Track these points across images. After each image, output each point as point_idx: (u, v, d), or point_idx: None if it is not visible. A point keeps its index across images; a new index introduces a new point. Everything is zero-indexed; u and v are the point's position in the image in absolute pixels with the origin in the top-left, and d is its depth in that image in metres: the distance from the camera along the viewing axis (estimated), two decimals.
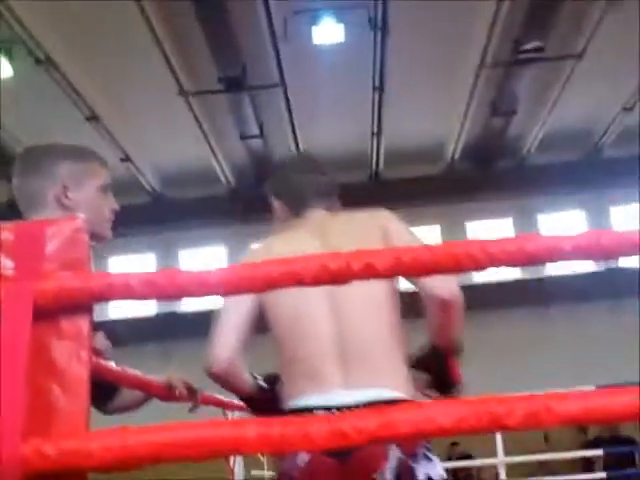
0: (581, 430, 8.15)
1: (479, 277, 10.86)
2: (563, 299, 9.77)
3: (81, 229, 0.94)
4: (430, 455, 1.36)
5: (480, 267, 0.84)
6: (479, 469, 7.86)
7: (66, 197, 1.50)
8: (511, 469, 5.56)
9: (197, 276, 0.94)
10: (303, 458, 1.36)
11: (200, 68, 7.21)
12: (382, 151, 9.36)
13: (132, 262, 10.39)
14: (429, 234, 11.08)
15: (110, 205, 1.57)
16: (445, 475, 1.41)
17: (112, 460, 0.77)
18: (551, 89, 8.32)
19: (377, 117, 8.42)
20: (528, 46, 7.04)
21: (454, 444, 7.97)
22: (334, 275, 0.85)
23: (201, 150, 8.75)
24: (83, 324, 0.90)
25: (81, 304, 0.91)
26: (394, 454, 1.30)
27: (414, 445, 1.33)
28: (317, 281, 0.87)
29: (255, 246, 1.71)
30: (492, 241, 0.83)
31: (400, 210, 1.72)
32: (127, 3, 6.09)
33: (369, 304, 1.48)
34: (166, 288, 0.93)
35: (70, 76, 7.10)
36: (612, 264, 10.47)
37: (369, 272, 0.84)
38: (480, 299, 9.37)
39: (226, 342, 1.48)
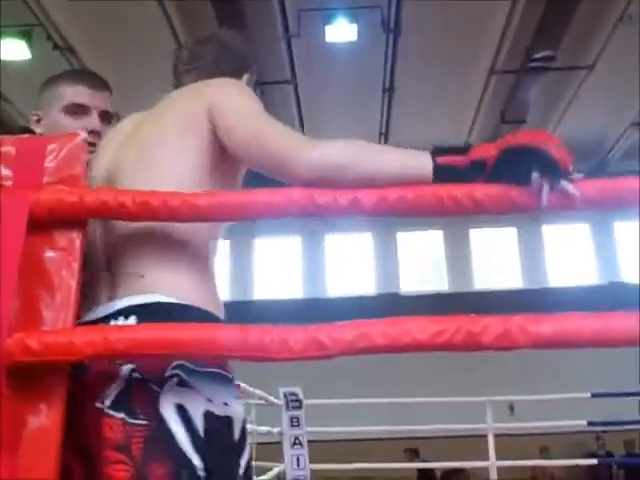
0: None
1: (480, 285, 10.88)
2: (564, 311, 9.73)
3: (80, 147, 0.97)
4: (190, 380, 0.97)
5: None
6: None
7: (38, 126, 1.51)
8: None
9: (188, 199, 0.97)
10: None
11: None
12: None
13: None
14: (432, 239, 11.10)
15: (82, 125, 1.43)
16: (235, 415, 1.01)
17: (93, 353, 0.79)
18: (561, 100, 8.34)
19: (386, 118, 8.46)
20: (539, 55, 7.07)
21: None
22: None
23: None
24: (76, 237, 0.94)
25: (75, 218, 0.94)
26: (123, 373, 0.95)
27: (162, 363, 0.95)
28: None
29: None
30: None
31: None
32: None
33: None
34: (158, 209, 0.96)
35: (86, 63, 7.18)
36: (615, 278, 10.47)
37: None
38: (482, 307, 9.38)
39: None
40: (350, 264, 11.09)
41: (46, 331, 0.86)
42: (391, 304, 9.99)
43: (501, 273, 11.25)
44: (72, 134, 0.99)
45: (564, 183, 0.91)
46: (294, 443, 4.53)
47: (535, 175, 0.91)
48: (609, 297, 9.62)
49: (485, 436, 5.05)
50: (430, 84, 7.91)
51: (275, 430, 4.52)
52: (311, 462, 4.55)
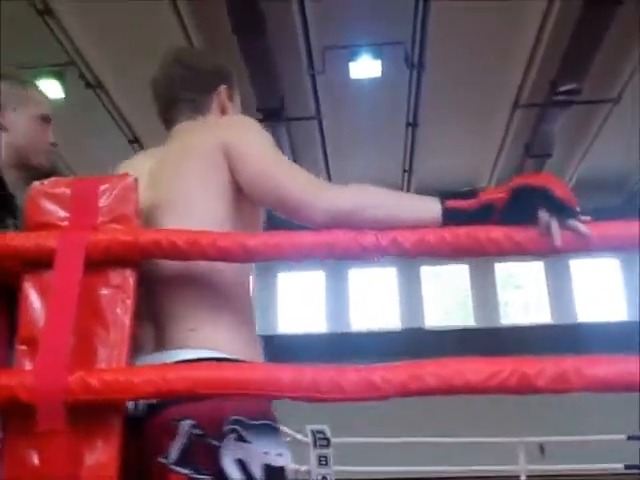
0: None
1: (505, 320, 10.73)
2: (594, 347, 9.54)
3: (132, 187, 1.00)
4: (246, 435, 0.99)
5: None
6: None
7: (2, 116, 1.48)
8: None
9: (238, 239, 0.98)
10: None
11: (240, 98, 7.41)
12: (412, 189, 9.42)
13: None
14: (458, 272, 11.02)
15: (48, 135, 1.50)
16: (286, 463, 1.05)
17: (152, 392, 0.80)
18: (586, 133, 8.32)
19: (409, 154, 8.51)
20: (564, 88, 7.09)
21: None
22: None
23: None
24: (129, 275, 0.95)
25: (129, 257, 0.96)
26: (183, 429, 0.96)
27: (218, 418, 0.97)
28: None
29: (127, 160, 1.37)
30: None
31: None
32: (177, 36, 6.35)
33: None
34: (208, 249, 0.97)
35: (117, 101, 7.39)
36: None
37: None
38: (511, 343, 9.24)
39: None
40: (374, 298, 11.04)
41: (106, 369, 0.87)
42: (416, 339, 9.89)
43: (529, 308, 11.11)
44: (123, 175, 1.02)
45: (573, 221, 0.93)
46: None
47: (542, 214, 0.93)
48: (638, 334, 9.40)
49: (516, 477, 4.93)
50: (454, 119, 7.96)
51: (303, 468, 4.46)
52: None
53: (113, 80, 7.14)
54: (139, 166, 1.20)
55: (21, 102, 1.48)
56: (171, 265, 1.05)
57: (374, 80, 7.24)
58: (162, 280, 1.08)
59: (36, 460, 0.85)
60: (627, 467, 4.86)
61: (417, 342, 9.56)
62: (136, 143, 8.04)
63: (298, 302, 11.13)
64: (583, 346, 9.54)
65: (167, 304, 1.07)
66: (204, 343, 1.04)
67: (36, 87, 1.56)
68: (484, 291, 10.83)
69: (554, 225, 0.92)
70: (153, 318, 1.08)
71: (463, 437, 5.99)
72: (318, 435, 4.49)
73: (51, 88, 6.71)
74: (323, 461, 4.41)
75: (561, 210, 0.93)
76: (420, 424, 7.64)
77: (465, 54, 6.87)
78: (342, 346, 9.41)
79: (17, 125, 1.46)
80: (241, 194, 1.13)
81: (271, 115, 7.41)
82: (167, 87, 1.32)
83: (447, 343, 9.45)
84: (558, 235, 0.92)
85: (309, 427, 4.53)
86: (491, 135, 8.28)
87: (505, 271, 10.96)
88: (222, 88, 1.34)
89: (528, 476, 4.86)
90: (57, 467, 0.85)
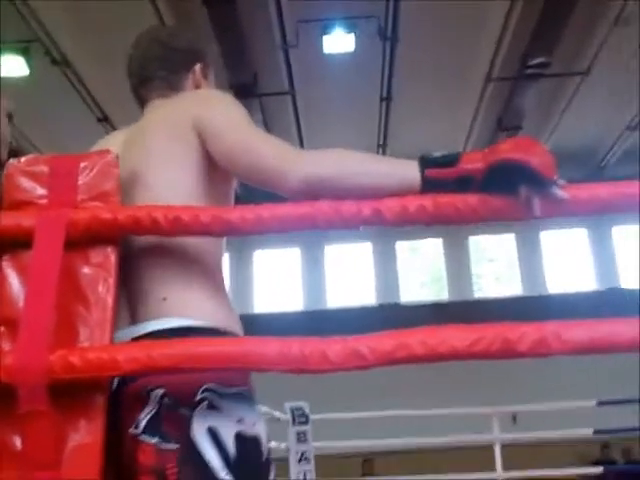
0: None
1: (479, 293, 10.90)
2: (563, 318, 9.74)
3: (112, 164, 0.98)
4: (219, 402, 0.97)
5: None
6: None
7: None
8: None
9: (219, 213, 0.98)
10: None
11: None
12: None
13: None
14: (432, 247, 11.13)
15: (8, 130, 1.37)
16: (261, 433, 1.03)
17: (137, 369, 0.80)
18: (557, 106, 8.40)
19: (384, 127, 8.50)
20: (534, 61, 7.13)
21: None
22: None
23: None
24: (111, 253, 0.95)
25: (110, 235, 0.95)
26: (154, 398, 0.95)
27: (190, 387, 0.96)
28: None
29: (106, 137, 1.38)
30: None
31: None
32: (145, 9, 6.20)
33: None
34: (190, 224, 0.97)
35: (84, 78, 7.20)
36: (614, 284, 10.50)
37: None
38: (484, 315, 9.38)
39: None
40: (350, 274, 11.10)
41: (88, 347, 0.86)
42: (392, 314, 9.99)
43: (501, 280, 11.29)
44: (104, 151, 1.00)
45: (552, 189, 0.94)
46: (300, 459, 4.50)
47: (522, 189, 0.94)
48: (608, 303, 9.65)
49: (489, 447, 5.04)
50: (427, 92, 7.96)
51: (282, 445, 4.50)
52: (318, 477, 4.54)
53: (80, 57, 6.96)
54: (114, 143, 1.19)
55: None
56: (141, 238, 1.04)
57: (348, 54, 7.19)
58: (132, 254, 1.07)
59: (18, 442, 0.84)
60: (596, 432, 5.00)
61: (393, 317, 9.67)
62: (105, 121, 7.87)
63: (274, 280, 11.13)
64: (554, 317, 9.75)
65: (138, 277, 1.07)
66: (176, 312, 1.02)
67: None
68: (458, 264, 10.96)
69: (533, 197, 0.93)
70: (126, 293, 1.07)
71: (436, 408, 6.09)
72: (297, 412, 4.52)
73: (16, 65, 6.52)
74: (302, 438, 4.45)
75: (540, 183, 0.93)
76: (396, 397, 7.77)
77: (438, 28, 6.85)
78: (319, 323, 9.47)
79: None
80: (213, 167, 1.12)
81: (244, 90, 7.32)
82: (142, 65, 1.32)
83: (422, 317, 9.56)
84: (537, 206, 0.94)
85: (288, 404, 4.56)
86: (464, 108, 8.31)
87: (478, 244, 11.10)
88: (197, 67, 1.34)
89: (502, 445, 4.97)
90: (40, 449, 0.84)
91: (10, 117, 1.44)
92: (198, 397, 0.96)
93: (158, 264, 1.06)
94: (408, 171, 1.00)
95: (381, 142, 8.86)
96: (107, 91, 7.45)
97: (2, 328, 0.88)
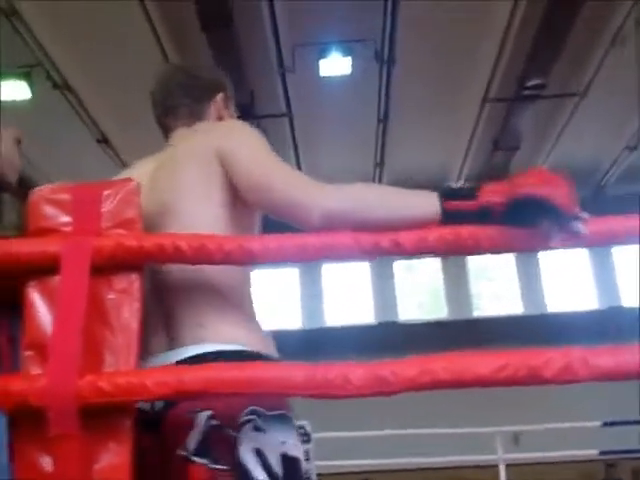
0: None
1: (477, 312, 10.89)
2: (564, 336, 9.74)
3: (135, 192, 1.00)
4: (263, 424, 1.01)
5: None
6: None
7: None
8: None
9: (243, 243, 0.99)
10: None
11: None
12: (384, 182, 9.48)
13: None
14: (430, 265, 11.14)
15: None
16: (301, 454, 1.09)
17: (168, 393, 0.81)
18: (554, 126, 8.48)
19: (380, 148, 8.57)
20: (530, 83, 7.21)
21: None
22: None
23: None
24: (135, 279, 0.96)
25: (134, 262, 0.96)
26: (201, 420, 0.98)
27: (234, 409, 0.99)
28: None
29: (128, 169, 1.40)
30: None
31: None
32: (145, 35, 6.29)
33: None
34: (214, 253, 0.98)
35: (84, 101, 7.26)
36: (615, 303, 10.49)
37: None
38: (484, 334, 9.37)
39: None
40: (348, 293, 11.09)
41: (117, 372, 0.87)
42: (390, 333, 9.97)
43: (500, 299, 11.28)
44: (126, 180, 1.02)
45: (573, 224, 0.95)
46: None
47: (545, 223, 0.96)
48: (609, 322, 9.64)
49: (492, 467, 5.02)
50: (424, 113, 8.04)
51: None
52: None
53: (80, 80, 7.02)
54: (139, 172, 1.22)
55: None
56: (176, 267, 1.06)
57: (344, 77, 7.26)
58: (168, 282, 1.10)
59: (49, 465, 0.85)
60: (602, 453, 4.98)
61: (392, 336, 9.65)
62: (104, 143, 7.91)
63: (273, 299, 11.12)
64: (554, 336, 9.75)
65: (175, 305, 1.10)
66: (213, 337, 1.06)
67: None
68: (457, 283, 10.96)
69: (554, 231, 0.95)
70: (163, 320, 1.10)
71: (440, 428, 6.06)
72: (299, 431, 4.49)
73: (18, 89, 6.57)
74: (305, 456, 4.40)
75: (564, 218, 0.95)
76: (399, 417, 7.73)
77: (434, 51, 6.94)
78: (318, 342, 9.44)
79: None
80: (238, 198, 1.15)
81: (241, 112, 7.37)
82: (166, 94, 1.36)
83: (421, 336, 9.54)
84: (557, 240, 0.96)
85: None
86: (461, 129, 8.38)
87: (477, 263, 11.11)
88: (219, 96, 1.39)
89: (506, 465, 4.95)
90: (70, 471, 0.85)
91: (19, 143, 1.47)
92: (243, 419, 1.00)
93: (195, 292, 1.09)
94: (428, 204, 1.02)
95: (378, 162, 8.92)
96: (107, 113, 7.51)
97: (30, 353, 0.89)
